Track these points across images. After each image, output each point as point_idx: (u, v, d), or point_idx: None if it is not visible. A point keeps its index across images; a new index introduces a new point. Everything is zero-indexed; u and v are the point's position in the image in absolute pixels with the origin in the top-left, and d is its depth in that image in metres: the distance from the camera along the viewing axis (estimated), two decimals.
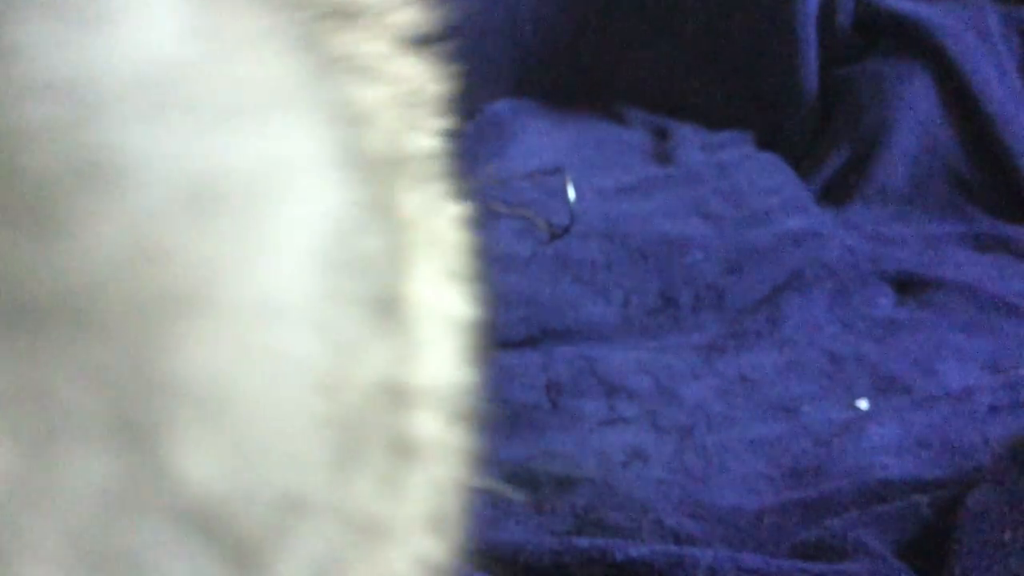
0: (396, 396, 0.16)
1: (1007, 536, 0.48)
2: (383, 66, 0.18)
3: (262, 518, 0.14)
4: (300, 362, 0.15)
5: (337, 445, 0.15)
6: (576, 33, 1.22)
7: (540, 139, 1.10)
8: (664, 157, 1.06)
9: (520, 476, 0.60)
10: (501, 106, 1.13)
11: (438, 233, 0.20)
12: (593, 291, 0.80)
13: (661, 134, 1.12)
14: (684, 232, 0.87)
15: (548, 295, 0.78)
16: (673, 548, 0.50)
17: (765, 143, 1.09)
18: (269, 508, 0.14)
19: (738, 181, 0.98)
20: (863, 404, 0.67)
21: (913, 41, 1.04)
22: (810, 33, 1.08)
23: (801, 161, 1.05)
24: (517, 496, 0.59)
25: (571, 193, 0.89)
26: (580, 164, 1.03)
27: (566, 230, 0.87)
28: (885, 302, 0.81)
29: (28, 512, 0.12)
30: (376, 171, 0.17)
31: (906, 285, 0.84)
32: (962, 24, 1.04)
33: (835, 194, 1.00)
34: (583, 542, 0.51)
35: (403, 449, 0.17)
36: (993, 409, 0.65)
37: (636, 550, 0.50)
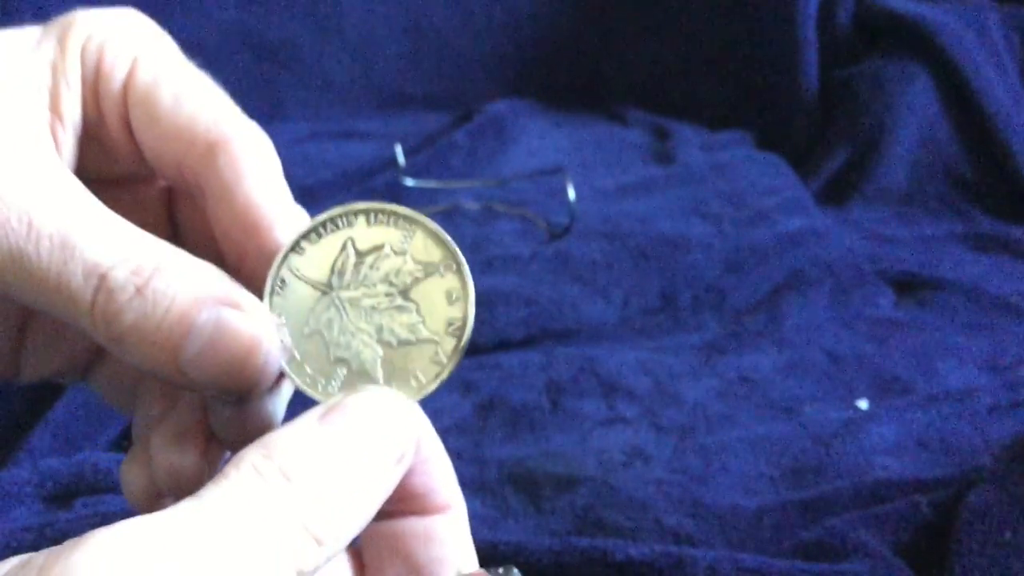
0: None
1: (1007, 536, 0.48)
2: None
3: None
4: None
5: None
6: (576, 33, 1.22)
7: (540, 139, 1.10)
8: (664, 157, 1.06)
9: (520, 476, 0.60)
10: (501, 106, 1.13)
11: None
12: (593, 291, 0.80)
13: (661, 134, 1.12)
14: (684, 232, 0.87)
15: (548, 295, 0.78)
16: (673, 548, 0.50)
17: (765, 143, 1.09)
18: None
19: (738, 181, 0.98)
20: (863, 404, 0.67)
21: (913, 41, 1.04)
22: (810, 33, 1.08)
23: (801, 161, 1.05)
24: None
25: (571, 193, 0.89)
26: (580, 164, 1.03)
27: (566, 230, 0.87)
28: (885, 302, 0.81)
29: None
30: None
31: (906, 285, 0.84)
32: (962, 24, 1.04)
33: (835, 194, 1.00)
34: (583, 542, 0.51)
35: None
36: (993, 409, 0.65)
37: (636, 550, 0.50)
